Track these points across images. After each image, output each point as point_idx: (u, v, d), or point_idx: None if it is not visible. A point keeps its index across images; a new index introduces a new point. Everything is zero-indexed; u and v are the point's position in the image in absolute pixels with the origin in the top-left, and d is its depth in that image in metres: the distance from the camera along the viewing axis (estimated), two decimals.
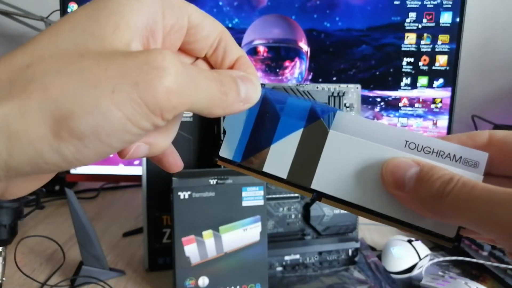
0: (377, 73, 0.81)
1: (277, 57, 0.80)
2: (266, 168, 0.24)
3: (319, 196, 0.23)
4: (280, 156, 0.24)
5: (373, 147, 0.22)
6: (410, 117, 0.83)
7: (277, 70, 0.82)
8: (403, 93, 0.82)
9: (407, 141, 0.22)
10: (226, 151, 0.25)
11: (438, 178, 0.20)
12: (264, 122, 0.24)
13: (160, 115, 0.17)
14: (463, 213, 0.19)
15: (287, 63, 0.80)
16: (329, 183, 0.23)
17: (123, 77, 0.16)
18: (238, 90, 0.20)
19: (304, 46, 0.79)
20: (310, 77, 0.81)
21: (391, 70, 0.81)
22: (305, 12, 0.79)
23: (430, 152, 0.22)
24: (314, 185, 0.23)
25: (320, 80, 0.81)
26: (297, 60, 0.80)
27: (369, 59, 0.80)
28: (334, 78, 0.81)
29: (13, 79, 0.16)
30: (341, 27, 0.79)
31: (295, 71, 0.80)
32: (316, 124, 0.23)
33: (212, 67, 0.24)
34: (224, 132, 0.25)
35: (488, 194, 0.18)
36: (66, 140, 0.16)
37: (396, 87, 0.82)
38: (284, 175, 0.23)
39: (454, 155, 0.22)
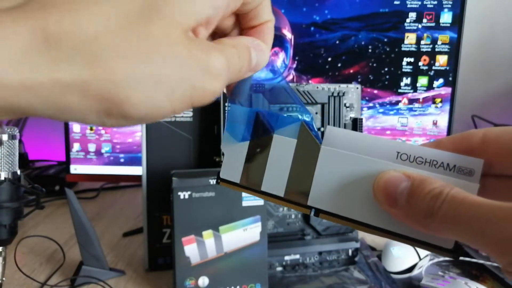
0: (373, 74, 0.81)
1: None
2: (264, 188, 0.24)
3: (317, 212, 0.23)
4: (276, 175, 0.24)
5: (365, 161, 0.22)
6: (410, 117, 0.83)
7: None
8: (403, 93, 0.82)
9: (398, 152, 0.22)
10: (226, 172, 0.25)
11: (428, 193, 0.19)
12: (259, 141, 0.24)
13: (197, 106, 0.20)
14: (454, 229, 0.18)
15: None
16: (325, 199, 0.23)
17: (183, 80, 0.18)
18: (250, 60, 0.22)
19: (287, 33, 0.78)
20: (294, 65, 0.80)
21: (392, 69, 0.81)
22: (294, 5, 0.78)
23: (422, 162, 0.21)
24: (310, 202, 0.23)
25: (308, 75, 0.81)
26: (280, 48, 0.80)
27: (362, 55, 0.80)
28: (326, 75, 0.81)
29: (78, 48, 0.16)
30: (330, 20, 0.79)
31: (278, 60, 0.80)
32: (308, 140, 0.23)
33: (237, 16, 0.24)
34: (223, 154, 0.25)
35: (476, 210, 0.18)
36: (113, 117, 0.17)
37: (396, 86, 0.82)
38: (281, 193, 0.24)
39: (448, 164, 0.21)
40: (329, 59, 0.80)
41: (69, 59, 0.16)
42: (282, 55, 0.79)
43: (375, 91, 0.82)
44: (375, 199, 0.21)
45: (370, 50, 0.80)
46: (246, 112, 0.25)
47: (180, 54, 0.18)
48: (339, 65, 0.80)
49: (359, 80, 0.81)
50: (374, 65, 0.80)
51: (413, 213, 0.20)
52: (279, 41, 0.79)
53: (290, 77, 0.80)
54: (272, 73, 0.27)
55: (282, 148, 0.24)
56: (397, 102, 0.82)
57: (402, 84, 0.81)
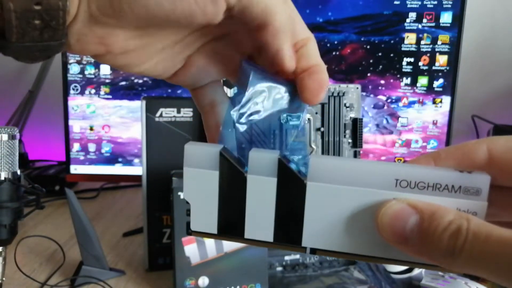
0: (375, 71, 0.81)
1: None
2: (247, 235, 0.21)
3: (314, 250, 0.21)
4: (259, 220, 0.21)
5: (361, 193, 0.20)
6: (410, 117, 0.83)
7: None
8: (403, 93, 0.82)
9: (397, 180, 0.19)
10: (197, 224, 0.22)
11: (444, 231, 0.18)
12: (229, 184, 0.21)
13: None
14: (479, 269, 0.17)
15: None
16: (321, 238, 0.21)
17: None
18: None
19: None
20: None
21: (391, 68, 0.81)
22: (296, 7, 0.78)
23: (424, 187, 0.19)
24: (305, 243, 0.21)
25: None
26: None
27: (364, 58, 0.80)
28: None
29: None
30: (333, 21, 0.79)
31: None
32: (290, 178, 0.20)
33: None
34: (187, 202, 0.22)
35: (504, 246, 0.16)
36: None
37: (396, 86, 0.82)
38: (269, 238, 0.21)
39: (453, 186, 0.19)
40: (333, 64, 0.80)
41: None
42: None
43: (374, 91, 0.82)
44: (381, 236, 0.19)
45: (371, 52, 0.80)
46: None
47: None
48: (343, 67, 0.80)
49: (367, 75, 0.81)
50: (376, 65, 0.80)
51: (428, 251, 0.18)
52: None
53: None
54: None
55: (261, 189, 0.20)
56: (397, 102, 0.82)
57: (402, 84, 0.81)
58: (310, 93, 0.23)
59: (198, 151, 0.21)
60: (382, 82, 0.81)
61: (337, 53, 0.80)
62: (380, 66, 0.81)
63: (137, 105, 0.82)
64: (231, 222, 0.21)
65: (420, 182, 0.19)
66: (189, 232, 0.22)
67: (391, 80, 0.81)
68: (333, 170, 0.20)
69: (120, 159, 0.84)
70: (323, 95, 0.23)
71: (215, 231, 0.21)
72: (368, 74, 0.81)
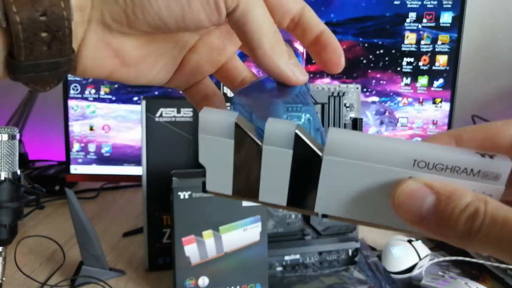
0: (377, 75, 0.81)
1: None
2: (261, 198, 0.22)
3: (325, 215, 0.22)
4: (273, 186, 0.21)
5: (377, 169, 0.20)
6: (410, 117, 0.83)
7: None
8: (403, 93, 0.82)
9: (415, 160, 0.19)
10: (212, 185, 0.23)
11: (461, 213, 0.18)
12: (245, 153, 0.21)
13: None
14: (495, 250, 0.17)
15: None
16: (333, 206, 0.21)
17: None
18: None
19: (299, 47, 0.78)
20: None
21: (392, 65, 0.81)
22: None
23: (443, 169, 0.19)
24: (317, 210, 0.21)
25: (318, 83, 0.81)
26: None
27: (368, 58, 0.80)
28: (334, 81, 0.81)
29: None
30: (335, 23, 0.79)
31: None
32: (306, 151, 0.20)
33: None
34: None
35: None
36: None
37: (396, 86, 0.82)
38: (283, 203, 0.22)
39: (472, 170, 0.19)
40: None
41: None
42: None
43: (375, 91, 0.82)
44: (396, 214, 0.20)
45: (372, 53, 0.80)
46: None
47: None
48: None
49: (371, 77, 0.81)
50: (376, 63, 0.80)
51: (444, 232, 0.18)
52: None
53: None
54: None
55: (277, 160, 0.21)
56: (397, 102, 0.82)
57: (402, 84, 0.81)
58: (335, 66, 0.24)
59: (213, 118, 0.21)
60: (383, 78, 0.81)
61: None
62: (380, 63, 0.81)
63: (137, 106, 0.82)
64: (245, 186, 0.22)
65: (438, 164, 0.19)
66: (205, 191, 0.23)
67: (392, 77, 0.81)
68: (351, 145, 0.20)
69: (120, 159, 0.84)
70: (343, 59, 0.24)
71: (229, 193, 0.22)
72: (369, 71, 0.81)
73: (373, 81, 0.81)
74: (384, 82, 0.81)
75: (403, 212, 0.19)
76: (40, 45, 0.20)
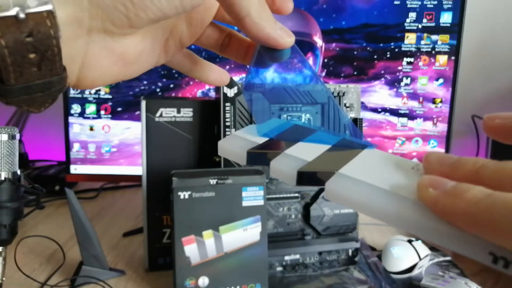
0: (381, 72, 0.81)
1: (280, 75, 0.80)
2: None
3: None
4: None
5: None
6: (410, 117, 0.83)
7: (288, 66, 0.81)
8: (403, 93, 0.82)
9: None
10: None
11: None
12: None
13: None
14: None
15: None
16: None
17: None
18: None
19: (318, 40, 0.77)
20: (323, 73, 0.79)
21: (392, 69, 0.81)
22: (311, 15, 0.78)
23: None
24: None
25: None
26: (310, 55, 0.78)
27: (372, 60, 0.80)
28: (344, 79, 0.81)
29: None
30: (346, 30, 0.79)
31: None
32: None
33: None
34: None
35: None
36: None
37: (397, 87, 0.82)
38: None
39: None
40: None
41: None
42: (312, 62, 0.78)
43: (377, 91, 0.82)
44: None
45: (374, 55, 0.80)
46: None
47: None
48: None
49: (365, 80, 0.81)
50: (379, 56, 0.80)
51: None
52: (309, 48, 0.77)
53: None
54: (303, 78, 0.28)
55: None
56: (397, 102, 0.82)
57: (402, 84, 0.81)
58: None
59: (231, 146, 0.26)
60: (385, 68, 0.81)
61: (342, 54, 0.80)
62: (383, 57, 0.81)
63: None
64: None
65: None
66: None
67: (392, 65, 0.81)
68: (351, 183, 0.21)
69: (119, 160, 0.84)
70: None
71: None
72: (369, 68, 0.81)
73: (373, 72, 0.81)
74: (386, 72, 0.81)
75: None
76: (29, 67, 0.19)
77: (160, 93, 0.83)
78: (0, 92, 0.19)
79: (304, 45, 0.77)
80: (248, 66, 0.28)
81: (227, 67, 0.81)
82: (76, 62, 0.22)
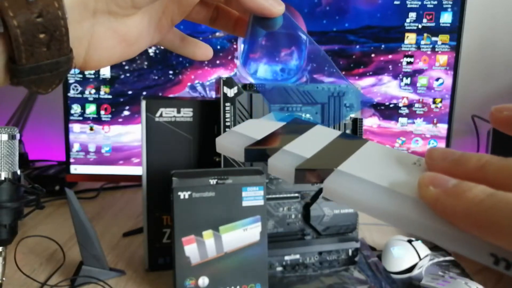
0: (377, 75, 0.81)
1: (275, 43, 0.80)
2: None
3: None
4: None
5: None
6: (410, 117, 0.83)
7: (275, 58, 0.81)
8: (403, 93, 0.82)
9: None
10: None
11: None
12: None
13: None
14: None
15: (285, 51, 0.80)
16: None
17: None
18: None
19: (303, 35, 0.78)
20: (309, 67, 0.79)
21: (392, 70, 0.81)
22: (314, 17, 0.78)
23: None
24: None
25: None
26: (294, 48, 0.79)
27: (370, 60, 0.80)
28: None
29: None
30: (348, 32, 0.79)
31: (292, 60, 0.79)
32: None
33: None
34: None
35: None
36: None
37: (396, 87, 0.82)
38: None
39: None
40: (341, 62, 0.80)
41: None
42: (296, 56, 0.78)
43: (376, 91, 0.82)
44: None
45: (373, 55, 0.80)
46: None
47: None
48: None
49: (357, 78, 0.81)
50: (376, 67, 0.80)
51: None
52: (295, 41, 0.78)
53: (304, 79, 0.80)
54: (286, 73, 0.30)
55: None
56: (397, 102, 0.82)
57: (402, 84, 0.81)
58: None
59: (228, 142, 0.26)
60: (386, 63, 0.81)
61: (343, 54, 0.80)
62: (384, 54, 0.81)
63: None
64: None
65: None
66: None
67: (393, 60, 0.81)
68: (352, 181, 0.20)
69: (119, 159, 0.84)
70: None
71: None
72: (370, 66, 0.81)
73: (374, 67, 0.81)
74: (388, 66, 0.81)
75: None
76: (39, 47, 0.20)
77: (156, 92, 0.83)
78: (12, 72, 0.20)
79: (291, 37, 0.78)
80: (243, 40, 0.30)
81: (221, 68, 0.81)
82: (82, 44, 0.23)
